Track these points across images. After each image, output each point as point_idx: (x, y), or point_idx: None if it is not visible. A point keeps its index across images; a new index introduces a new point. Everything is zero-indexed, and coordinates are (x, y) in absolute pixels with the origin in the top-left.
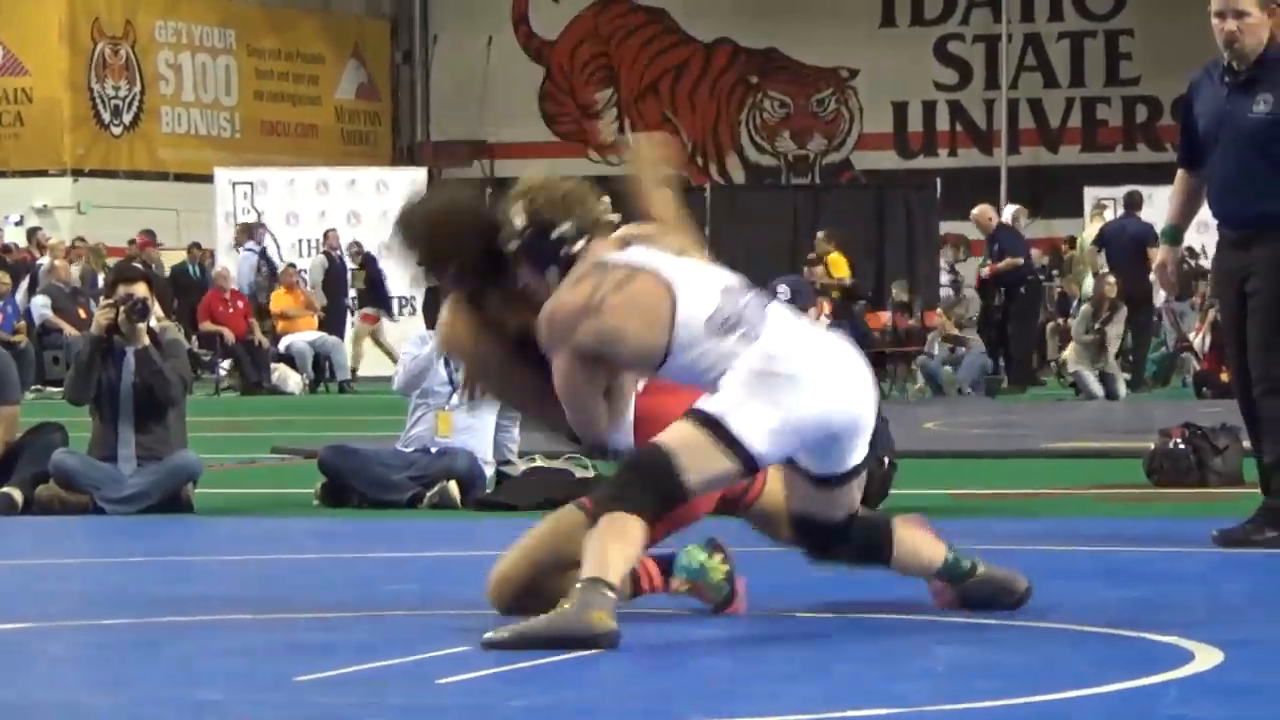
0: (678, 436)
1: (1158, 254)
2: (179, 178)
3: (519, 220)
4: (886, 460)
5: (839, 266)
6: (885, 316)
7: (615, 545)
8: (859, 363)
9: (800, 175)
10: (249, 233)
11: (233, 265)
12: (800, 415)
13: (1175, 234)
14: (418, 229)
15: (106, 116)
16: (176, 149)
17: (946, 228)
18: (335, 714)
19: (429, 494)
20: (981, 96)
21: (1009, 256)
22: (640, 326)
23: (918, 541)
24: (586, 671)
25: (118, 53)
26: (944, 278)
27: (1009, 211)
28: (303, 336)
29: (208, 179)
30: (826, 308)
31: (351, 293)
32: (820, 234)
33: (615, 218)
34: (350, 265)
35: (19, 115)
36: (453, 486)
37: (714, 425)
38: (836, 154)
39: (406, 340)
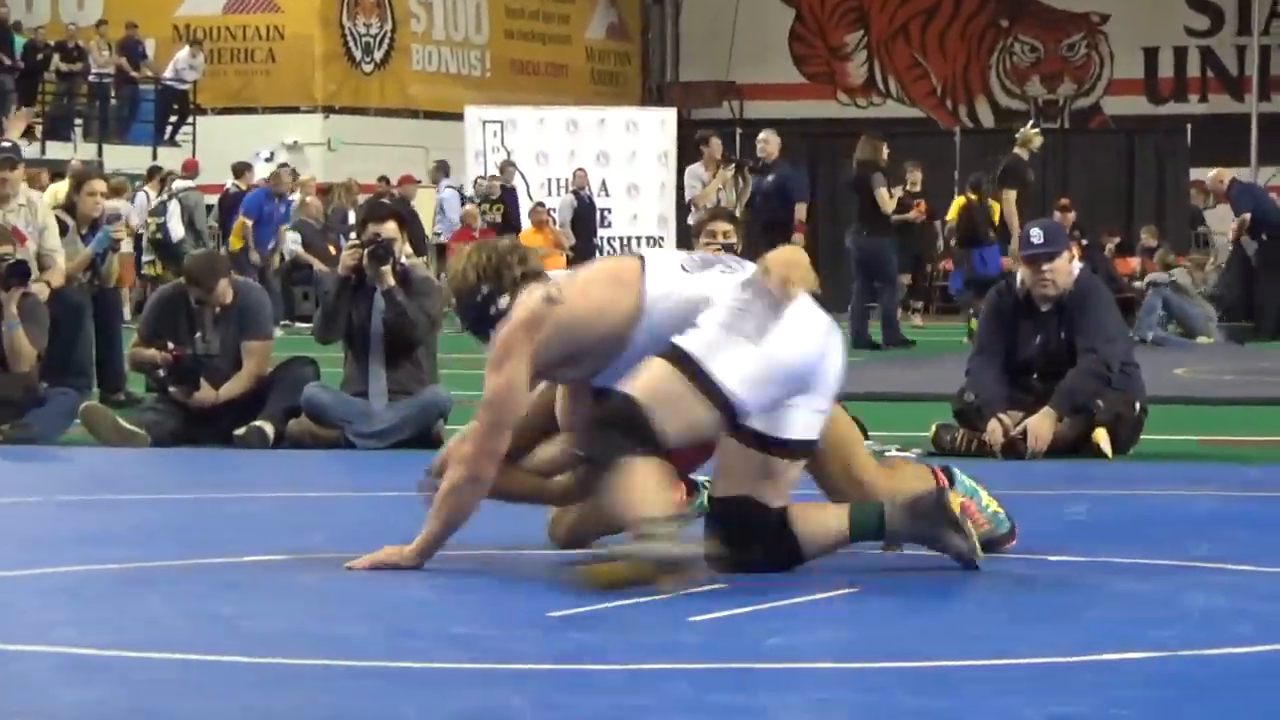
0: (652, 385)
1: None
2: (428, 115)
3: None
4: (1138, 406)
5: (951, 210)
6: (1134, 262)
7: (638, 486)
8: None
9: (1050, 120)
10: (444, 170)
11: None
12: (782, 355)
13: None
14: None
15: (357, 54)
16: (426, 87)
17: (1196, 174)
18: (588, 650)
19: None
20: (1233, 42)
21: (1239, 213)
22: (608, 292)
23: (815, 517)
24: (836, 611)
25: None
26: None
27: None
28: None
29: (457, 117)
30: (1077, 251)
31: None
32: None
33: (543, 268)
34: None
35: (271, 52)
36: None
37: (693, 368)
38: (1086, 99)
39: None
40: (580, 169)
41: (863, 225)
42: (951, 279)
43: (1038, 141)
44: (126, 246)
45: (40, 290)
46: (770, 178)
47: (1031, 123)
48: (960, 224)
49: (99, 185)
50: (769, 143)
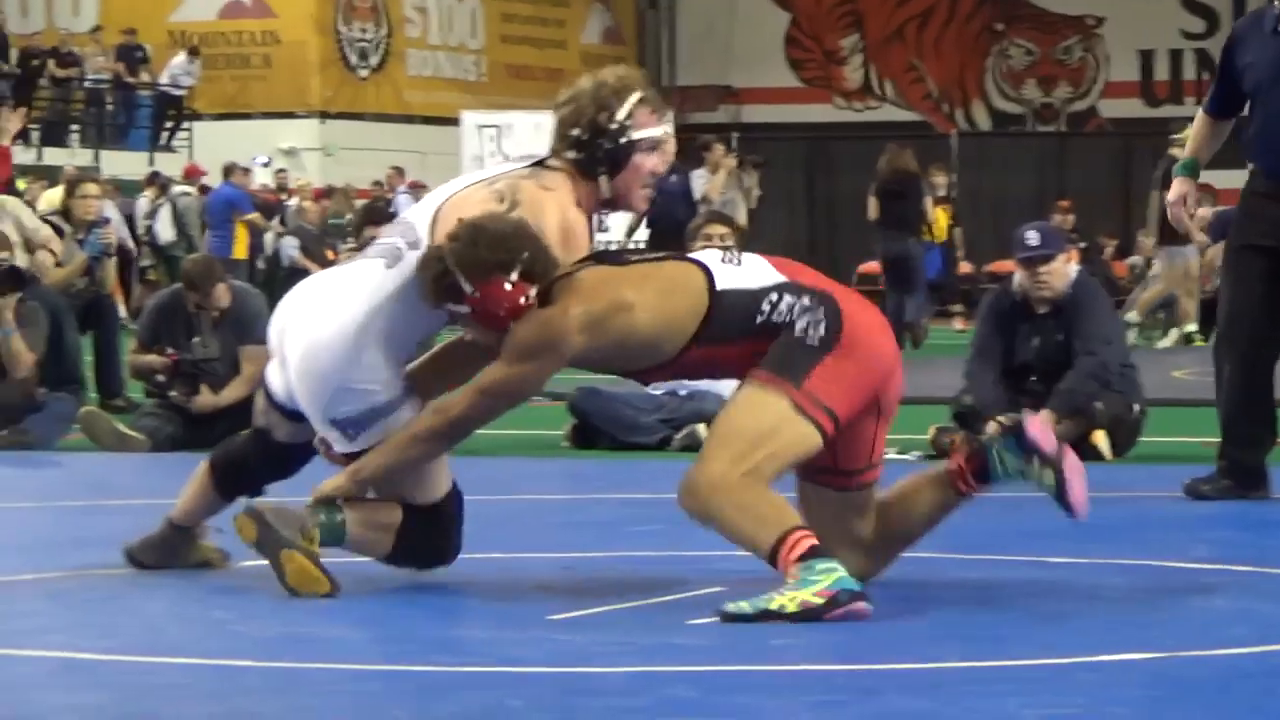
0: None
1: (1174, 186)
2: (424, 120)
3: None
4: (1136, 408)
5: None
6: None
7: None
8: None
9: (1046, 123)
10: (401, 176)
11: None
12: None
13: (1195, 167)
14: None
15: (353, 59)
16: (422, 92)
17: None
18: (588, 653)
19: (677, 436)
20: None
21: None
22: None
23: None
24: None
25: None
26: None
27: None
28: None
29: (453, 122)
30: (1075, 255)
31: None
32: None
33: None
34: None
35: (266, 57)
36: (701, 429)
37: None
38: (1082, 102)
39: None
40: None
41: (909, 232)
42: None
43: None
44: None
45: (46, 260)
46: (674, 177)
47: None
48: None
49: (92, 189)
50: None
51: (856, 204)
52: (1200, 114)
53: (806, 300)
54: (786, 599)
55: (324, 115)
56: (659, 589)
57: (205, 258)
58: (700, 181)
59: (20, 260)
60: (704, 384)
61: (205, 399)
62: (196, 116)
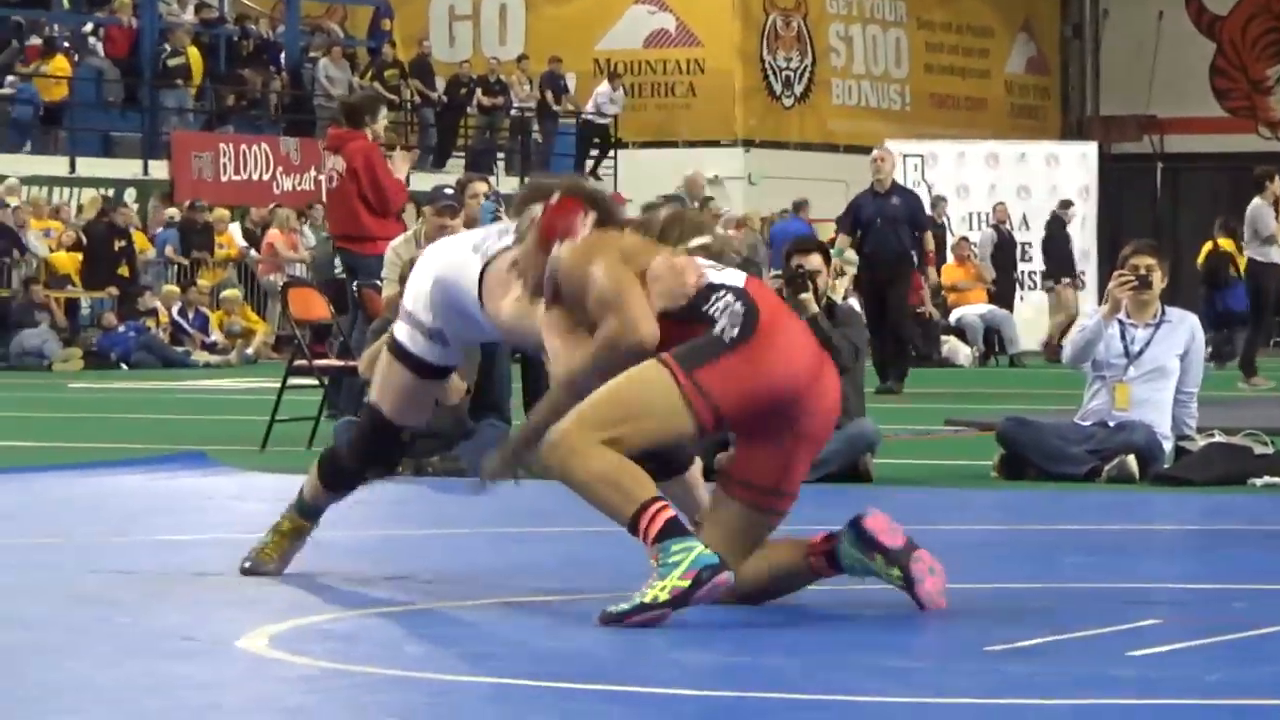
0: None
1: None
2: (848, 149)
3: None
4: None
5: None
6: None
7: None
8: None
9: None
10: (796, 208)
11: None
12: None
13: None
14: None
15: (777, 88)
16: (846, 121)
17: None
18: (1027, 684)
19: (1107, 467)
20: None
21: None
22: None
23: None
24: (1275, 646)
25: (789, 24)
26: None
27: None
28: (973, 309)
29: None
30: None
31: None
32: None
33: None
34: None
35: (691, 86)
36: (1131, 460)
37: None
38: None
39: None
40: (1000, 203)
41: None
42: None
43: None
44: None
45: None
46: (895, 200)
47: None
48: (1206, 267)
49: (481, 187)
50: (884, 161)
51: None
52: None
53: (739, 305)
54: (657, 589)
55: (748, 144)
56: (1094, 620)
57: None
58: (1266, 215)
59: None
60: (1134, 415)
61: None
62: (621, 145)
